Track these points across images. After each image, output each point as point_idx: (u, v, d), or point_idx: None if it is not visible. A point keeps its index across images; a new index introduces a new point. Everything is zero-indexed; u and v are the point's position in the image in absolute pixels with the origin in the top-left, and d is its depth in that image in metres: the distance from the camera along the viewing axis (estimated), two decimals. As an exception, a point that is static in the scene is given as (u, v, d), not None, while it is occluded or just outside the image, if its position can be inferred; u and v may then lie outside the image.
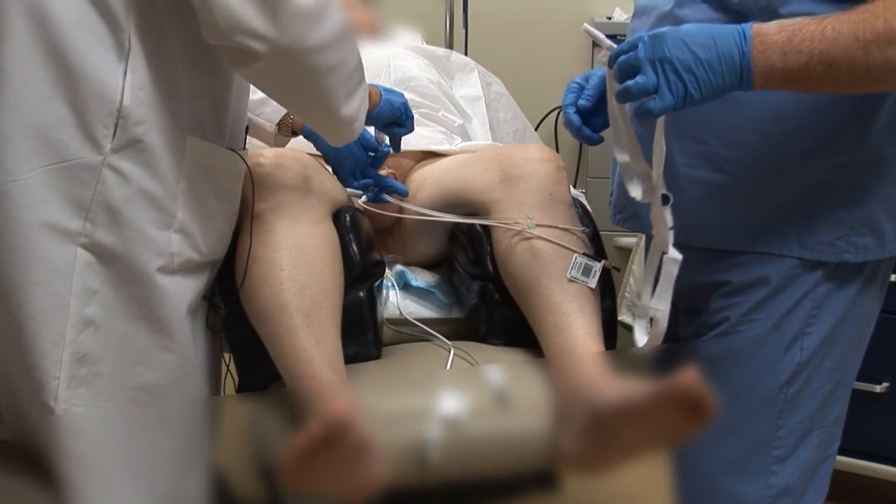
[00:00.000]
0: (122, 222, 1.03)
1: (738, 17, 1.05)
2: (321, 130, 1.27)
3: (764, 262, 1.13)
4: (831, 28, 0.96)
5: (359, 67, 1.12)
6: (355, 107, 1.14)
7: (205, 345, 1.20)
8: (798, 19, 0.99)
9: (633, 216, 1.25)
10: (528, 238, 1.31)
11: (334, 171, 1.47)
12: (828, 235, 1.10)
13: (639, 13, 1.21)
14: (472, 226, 1.42)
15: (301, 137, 1.49)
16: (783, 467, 1.16)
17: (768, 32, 0.98)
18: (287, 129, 1.48)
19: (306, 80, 1.06)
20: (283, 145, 1.47)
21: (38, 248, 1.01)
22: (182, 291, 1.11)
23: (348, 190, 1.44)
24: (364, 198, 1.47)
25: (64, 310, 1.02)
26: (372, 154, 1.47)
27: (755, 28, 0.99)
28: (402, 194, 1.47)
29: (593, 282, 1.29)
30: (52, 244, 1.01)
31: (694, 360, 1.04)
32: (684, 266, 1.18)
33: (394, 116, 1.40)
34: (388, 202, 1.47)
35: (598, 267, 1.29)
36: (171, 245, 1.08)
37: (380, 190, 1.47)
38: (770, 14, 1.03)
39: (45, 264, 1.01)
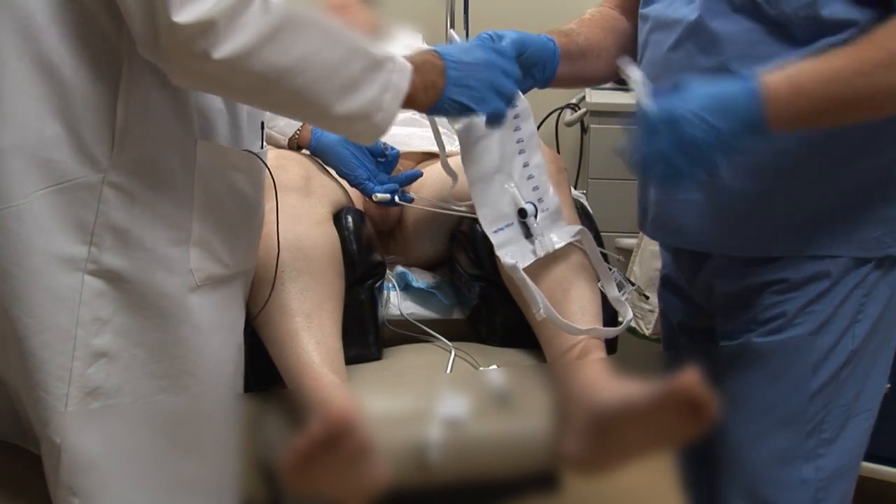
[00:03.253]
0: (131, 243, 0.97)
1: (778, 27, 1.06)
2: (330, 130, 1.19)
3: (818, 259, 1.14)
4: (833, 66, 1.00)
5: (355, 57, 0.98)
6: (366, 99, 0.99)
7: (240, 361, 1.13)
8: (801, 64, 1.02)
9: (677, 231, 1.22)
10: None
11: (353, 184, 1.43)
12: (874, 232, 1.13)
13: (659, 26, 1.18)
14: (473, 227, 1.42)
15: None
16: (830, 450, 1.17)
17: (777, 89, 1.01)
18: (293, 144, 1.46)
19: (256, 87, 0.95)
20: None
21: (38, 278, 0.94)
22: (209, 309, 1.04)
23: (377, 196, 1.41)
24: (397, 200, 1.42)
25: (68, 343, 0.96)
26: (381, 160, 1.46)
27: (766, 88, 1.00)
28: (419, 176, 1.47)
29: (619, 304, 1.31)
30: (54, 274, 0.95)
31: (748, 359, 1.11)
32: (726, 275, 1.18)
33: (457, 113, 1.09)
34: (413, 198, 1.45)
35: (628, 289, 1.31)
36: (191, 261, 1.01)
37: (402, 189, 1.43)
38: (811, 22, 1.03)
39: (46, 296, 0.95)
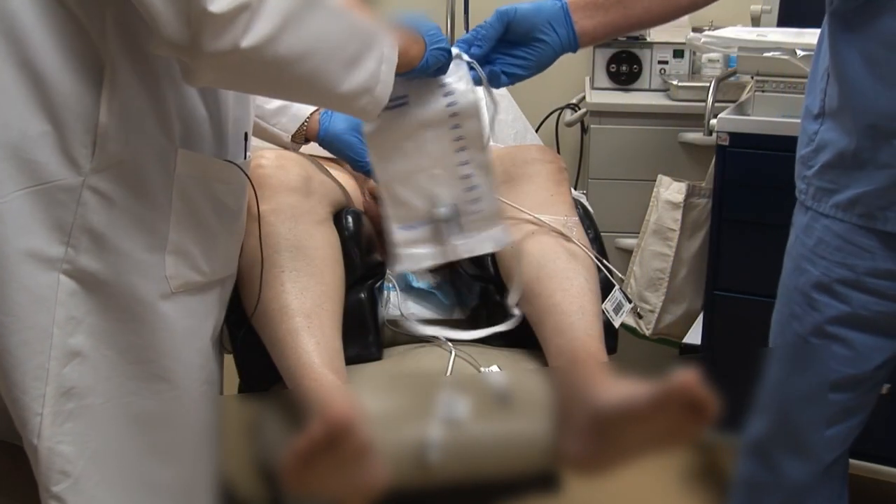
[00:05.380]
0: (106, 247, 0.97)
1: None
2: (334, 109, 1.19)
3: None
4: None
5: (354, 32, 1.00)
6: (366, 73, 1.02)
7: (213, 369, 1.13)
8: None
9: None
10: (530, 240, 1.31)
11: (364, 171, 1.44)
12: None
13: None
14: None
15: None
16: None
17: None
18: (300, 137, 1.45)
19: (273, 74, 0.96)
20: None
21: (16, 277, 0.94)
22: (184, 315, 1.05)
23: None
24: None
25: (46, 342, 0.96)
26: None
27: None
28: None
29: (618, 321, 1.30)
30: (32, 272, 0.95)
31: None
32: None
33: (442, 62, 1.14)
34: None
35: (627, 308, 1.30)
36: (166, 268, 1.02)
37: None
38: None
39: (24, 294, 0.95)
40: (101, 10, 0.94)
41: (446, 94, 1.17)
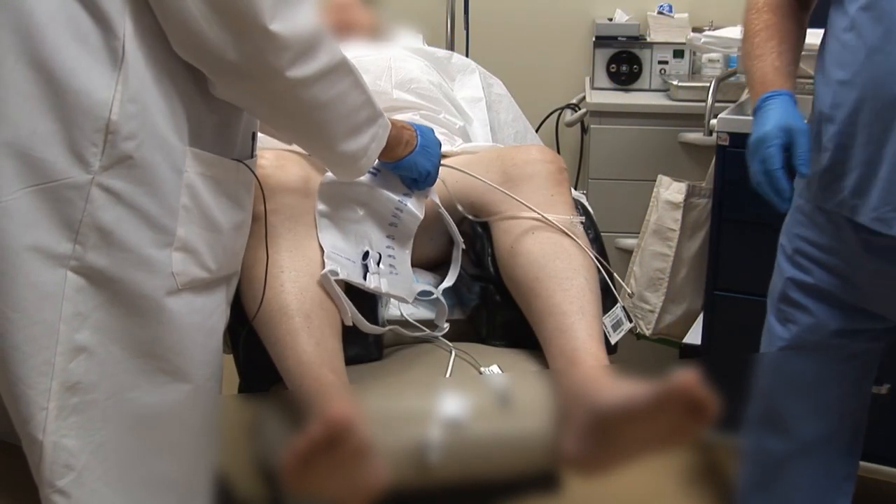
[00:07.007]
0: (114, 243, 0.97)
1: None
2: (321, 161, 1.27)
3: None
4: None
5: (365, 105, 1.13)
6: (360, 145, 1.16)
7: (219, 366, 1.13)
8: None
9: None
10: (529, 239, 1.31)
11: None
12: None
13: None
14: (473, 227, 1.42)
15: None
16: None
17: None
18: None
19: (291, 110, 1.05)
20: None
21: (24, 273, 0.95)
22: (190, 312, 1.05)
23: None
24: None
25: (52, 337, 0.97)
26: None
27: None
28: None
29: (615, 338, 1.32)
30: (39, 269, 0.95)
31: None
32: None
33: (415, 174, 1.34)
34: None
35: (626, 327, 1.31)
36: (173, 264, 1.01)
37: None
38: None
39: (32, 290, 0.95)
40: (122, 9, 0.94)
41: (403, 196, 1.34)
